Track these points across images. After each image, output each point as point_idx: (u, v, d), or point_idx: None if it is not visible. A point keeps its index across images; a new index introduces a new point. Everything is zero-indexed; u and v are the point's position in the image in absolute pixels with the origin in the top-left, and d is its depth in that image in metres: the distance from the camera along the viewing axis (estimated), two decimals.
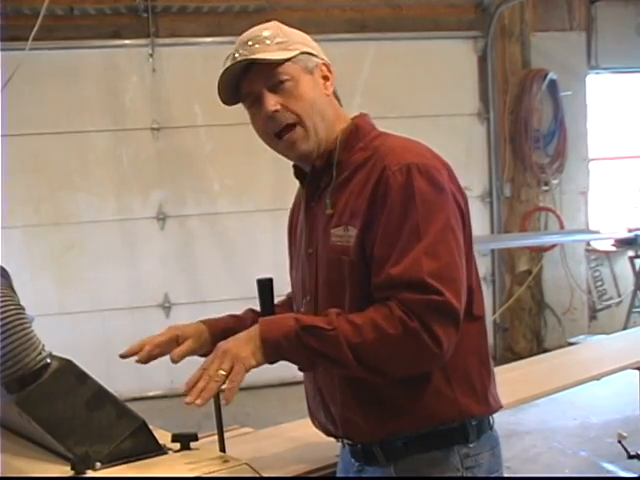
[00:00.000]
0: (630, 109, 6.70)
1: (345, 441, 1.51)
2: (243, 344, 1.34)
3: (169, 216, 5.73)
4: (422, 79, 6.01)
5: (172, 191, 5.73)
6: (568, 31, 6.28)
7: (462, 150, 6.15)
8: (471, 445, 1.42)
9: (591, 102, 6.41)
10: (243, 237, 5.77)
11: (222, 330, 1.61)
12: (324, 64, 1.49)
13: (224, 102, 1.50)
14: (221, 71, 1.44)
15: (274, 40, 1.43)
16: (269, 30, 1.46)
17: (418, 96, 5.99)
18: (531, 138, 6.12)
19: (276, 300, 1.57)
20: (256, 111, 1.46)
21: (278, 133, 1.45)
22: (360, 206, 1.39)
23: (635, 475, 3.40)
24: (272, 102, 1.43)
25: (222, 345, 1.35)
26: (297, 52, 1.44)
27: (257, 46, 1.42)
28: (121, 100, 5.64)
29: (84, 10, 5.48)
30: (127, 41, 5.62)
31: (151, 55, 5.59)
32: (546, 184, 6.26)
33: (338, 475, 1.61)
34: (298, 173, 1.55)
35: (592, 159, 6.48)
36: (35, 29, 3.54)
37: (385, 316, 1.31)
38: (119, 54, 5.63)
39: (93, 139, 5.62)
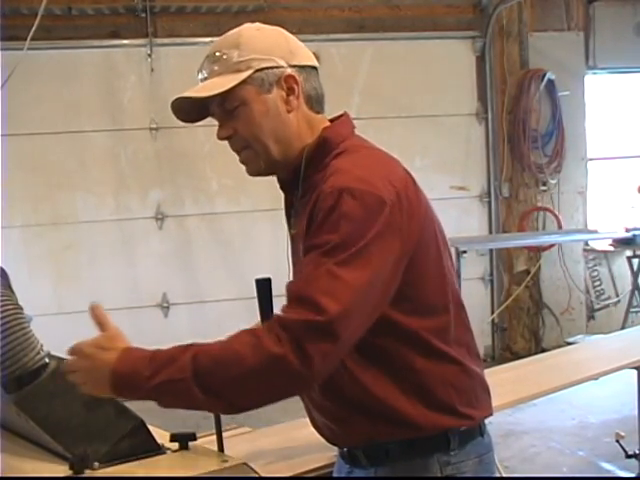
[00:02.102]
0: (628, 109, 6.70)
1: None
2: (93, 370, 1.30)
3: (167, 216, 5.73)
4: (420, 79, 6.01)
5: (170, 191, 5.73)
6: (566, 31, 6.29)
7: (460, 150, 6.15)
8: (452, 453, 1.40)
9: (589, 102, 6.41)
10: (241, 237, 5.77)
11: None
12: (289, 76, 1.41)
13: (184, 119, 1.48)
14: (178, 96, 1.43)
15: (232, 60, 1.40)
16: (230, 45, 1.42)
17: (416, 96, 6.00)
18: (529, 138, 6.13)
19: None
20: None
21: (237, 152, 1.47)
22: (302, 226, 1.37)
23: (633, 475, 3.40)
24: (224, 130, 1.44)
25: (81, 352, 1.31)
26: (250, 72, 1.39)
27: (216, 67, 1.42)
28: (119, 100, 5.64)
29: (82, 10, 5.47)
30: (125, 41, 5.62)
31: (149, 55, 5.59)
32: (544, 184, 6.27)
33: (334, 474, 1.61)
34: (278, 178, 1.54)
35: (590, 159, 6.48)
36: (33, 29, 3.53)
37: (250, 345, 1.24)
38: (117, 54, 5.62)
39: (91, 139, 5.62)
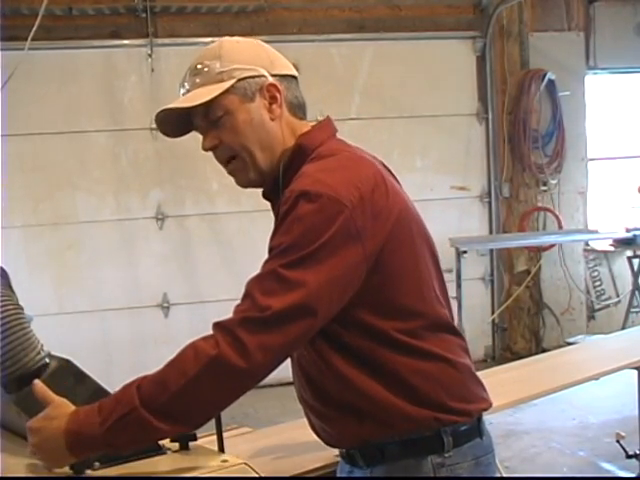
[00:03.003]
0: (628, 109, 6.70)
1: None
2: (46, 442, 1.30)
3: (168, 216, 5.74)
4: (421, 79, 6.01)
5: (171, 191, 5.73)
6: (566, 31, 6.29)
7: (461, 150, 6.15)
8: (447, 455, 1.40)
9: (589, 102, 6.41)
10: (242, 237, 5.77)
11: None
12: (271, 84, 1.42)
13: (168, 134, 1.49)
14: (162, 108, 1.44)
15: (214, 71, 1.41)
16: (211, 57, 1.43)
17: (417, 96, 6.00)
18: (529, 138, 6.13)
19: None
20: None
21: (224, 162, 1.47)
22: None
23: (633, 475, 3.40)
24: (208, 140, 1.44)
25: (32, 429, 1.31)
26: (233, 82, 1.40)
27: (197, 80, 1.42)
28: (120, 100, 5.65)
29: (83, 10, 5.48)
30: (126, 41, 5.62)
31: (150, 55, 5.59)
32: (544, 184, 6.27)
33: (337, 474, 1.62)
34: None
35: (590, 159, 6.48)
36: (34, 29, 3.54)
37: (187, 357, 1.27)
38: (118, 54, 5.63)
39: (92, 139, 5.62)
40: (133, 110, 5.64)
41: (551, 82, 6.14)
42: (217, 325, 1.29)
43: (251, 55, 1.45)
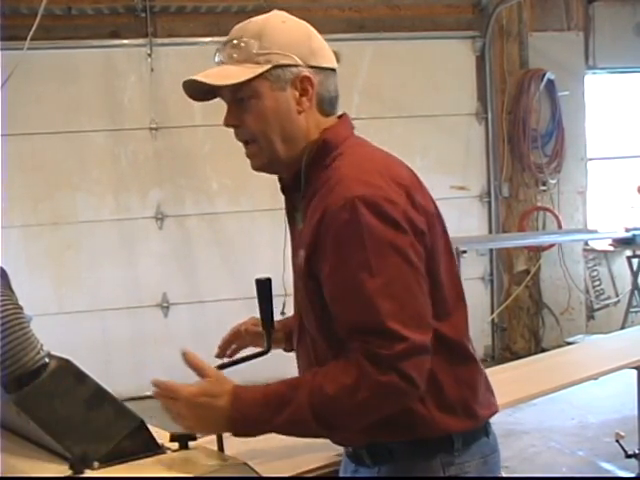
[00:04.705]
0: (628, 109, 6.70)
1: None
2: (206, 418, 1.35)
3: (167, 216, 5.73)
4: (420, 79, 6.01)
5: (170, 191, 5.73)
6: (566, 31, 6.29)
7: (460, 150, 6.15)
8: (456, 454, 1.40)
9: (589, 102, 6.41)
10: (241, 237, 5.77)
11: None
12: (305, 76, 1.39)
13: (193, 97, 1.47)
14: (187, 79, 1.42)
15: (251, 50, 1.38)
16: (252, 34, 1.40)
17: (416, 96, 6.00)
18: (529, 138, 6.13)
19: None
20: None
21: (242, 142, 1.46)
22: (307, 233, 1.36)
23: (633, 474, 3.40)
24: (230, 117, 1.43)
25: (190, 402, 1.35)
26: (268, 67, 1.38)
27: (234, 55, 1.40)
28: (119, 100, 5.64)
29: (82, 10, 5.47)
30: (125, 41, 5.62)
31: (149, 55, 5.59)
32: (544, 184, 6.27)
33: (340, 474, 1.62)
34: (280, 180, 1.53)
35: (590, 159, 6.48)
36: (33, 29, 3.54)
37: (357, 379, 1.28)
38: (117, 54, 5.62)
39: (91, 139, 5.62)
40: (133, 110, 5.64)
41: (550, 82, 6.14)
42: (373, 357, 1.27)
43: (293, 40, 1.41)
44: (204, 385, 1.35)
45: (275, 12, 1.46)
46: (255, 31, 1.40)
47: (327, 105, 1.45)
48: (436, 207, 1.44)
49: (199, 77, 1.40)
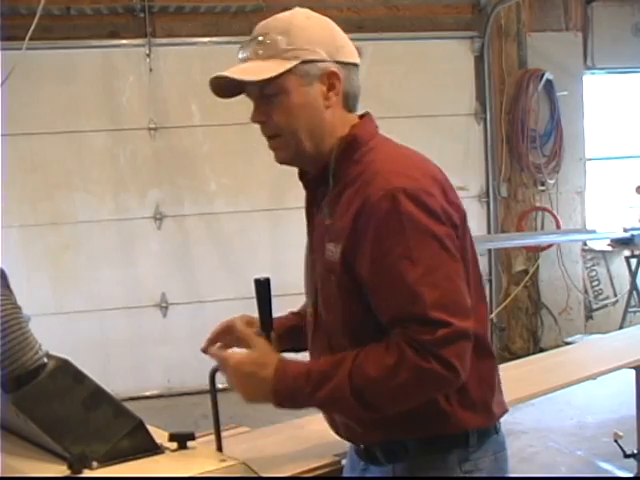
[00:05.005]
0: (626, 109, 6.71)
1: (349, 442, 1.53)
2: (251, 387, 1.39)
3: (166, 216, 5.73)
4: (419, 79, 6.01)
5: (169, 191, 5.73)
6: (564, 31, 6.29)
7: (459, 150, 6.15)
8: (471, 449, 1.42)
9: (587, 102, 6.42)
10: (240, 237, 5.76)
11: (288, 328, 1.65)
12: (332, 72, 1.41)
13: (219, 95, 1.48)
14: (216, 74, 1.42)
15: (278, 46, 1.39)
16: (279, 31, 1.41)
17: (415, 96, 6.00)
18: (527, 138, 6.13)
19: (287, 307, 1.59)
20: None
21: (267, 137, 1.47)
22: (344, 226, 1.36)
23: (631, 474, 3.40)
24: (257, 114, 1.43)
25: (238, 370, 1.39)
26: (296, 63, 1.39)
27: (260, 51, 1.40)
28: (118, 100, 5.64)
29: (81, 10, 5.47)
30: (124, 41, 5.62)
31: (148, 55, 5.59)
32: (542, 184, 6.27)
33: (345, 473, 1.62)
34: (301, 175, 1.54)
35: (588, 159, 6.48)
36: (32, 29, 3.54)
37: (398, 361, 1.29)
38: (116, 54, 5.62)
39: (90, 139, 5.62)
40: (131, 110, 5.64)
41: (549, 82, 6.14)
42: (416, 343, 1.28)
43: (319, 37, 1.42)
44: (251, 355, 1.39)
45: (298, 9, 1.47)
46: (281, 27, 1.42)
47: (351, 100, 1.47)
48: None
49: (228, 73, 1.41)
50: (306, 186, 1.52)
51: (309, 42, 1.40)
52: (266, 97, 1.41)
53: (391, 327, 1.32)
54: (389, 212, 1.30)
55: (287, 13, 1.45)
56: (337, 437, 1.59)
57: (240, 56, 1.44)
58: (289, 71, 1.39)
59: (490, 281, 6.32)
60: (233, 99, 1.50)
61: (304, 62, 1.39)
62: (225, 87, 1.44)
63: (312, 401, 1.36)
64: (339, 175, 1.42)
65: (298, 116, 1.40)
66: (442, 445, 1.41)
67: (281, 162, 1.48)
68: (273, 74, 1.38)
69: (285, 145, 1.43)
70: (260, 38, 1.41)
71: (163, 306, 5.73)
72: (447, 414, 1.39)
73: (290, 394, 1.36)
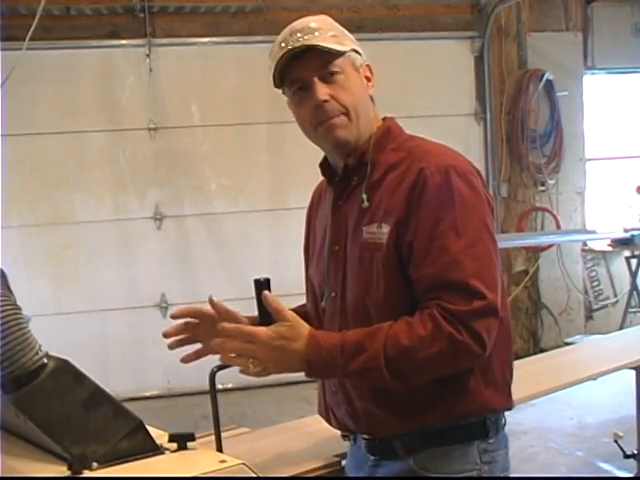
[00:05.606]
0: (626, 109, 6.71)
1: (363, 436, 1.52)
2: (282, 360, 1.38)
3: (166, 216, 5.73)
4: (419, 79, 6.02)
5: (169, 191, 5.73)
6: (564, 31, 6.30)
7: (459, 150, 6.14)
8: (490, 441, 1.47)
9: (587, 102, 6.42)
10: (240, 237, 5.77)
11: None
12: (367, 65, 1.53)
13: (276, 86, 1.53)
14: (281, 53, 1.45)
15: (327, 33, 1.46)
16: (322, 23, 1.49)
17: (415, 96, 6.00)
18: (527, 138, 6.13)
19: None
20: (303, 98, 1.48)
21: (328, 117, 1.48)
22: (395, 204, 1.42)
23: (631, 475, 3.40)
24: (323, 91, 1.46)
25: (268, 345, 1.37)
26: (349, 48, 1.48)
27: (307, 37, 1.44)
28: (118, 100, 5.64)
29: (81, 10, 5.47)
30: (124, 41, 5.62)
31: (148, 55, 5.59)
32: (542, 184, 6.28)
33: (349, 472, 1.61)
34: (326, 172, 1.58)
35: (588, 159, 6.49)
36: (32, 29, 3.54)
37: (432, 332, 1.33)
38: (116, 54, 5.62)
39: (90, 139, 5.62)
40: (131, 110, 5.64)
41: (549, 82, 6.15)
42: (450, 314, 1.33)
43: (351, 36, 1.54)
44: (281, 329, 1.39)
45: (320, 15, 1.55)
46: (321, 23, 1.49)
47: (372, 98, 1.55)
48: None
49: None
50: (337, 178, 1.55)
51: (348, 37, 1.52)
52: (326, 77, 1.46)
53: (427, 296, 1.37)
54: (441, 186, 1.39)
55: (314, 17, 1.52)
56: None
57: (290, 46, 1.44)
58: (344, 56, 1.47)
59: None
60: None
61: (353, 50, 1.50)
62: (290, 66, 1.45)
63: (344, 371, 1.38)
64: (377, 162, 1.49)
65: (359, 97, 1.49)
66: (463, 435, 1.44)
67: (341, 142, 1.50)
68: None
69: (347, 123, 1.48)
70: (312, 25, 1.47)
71: (163, 306, 5.73)
72: (472, 391, 1.43)
73: (324, 365, 1.38)
